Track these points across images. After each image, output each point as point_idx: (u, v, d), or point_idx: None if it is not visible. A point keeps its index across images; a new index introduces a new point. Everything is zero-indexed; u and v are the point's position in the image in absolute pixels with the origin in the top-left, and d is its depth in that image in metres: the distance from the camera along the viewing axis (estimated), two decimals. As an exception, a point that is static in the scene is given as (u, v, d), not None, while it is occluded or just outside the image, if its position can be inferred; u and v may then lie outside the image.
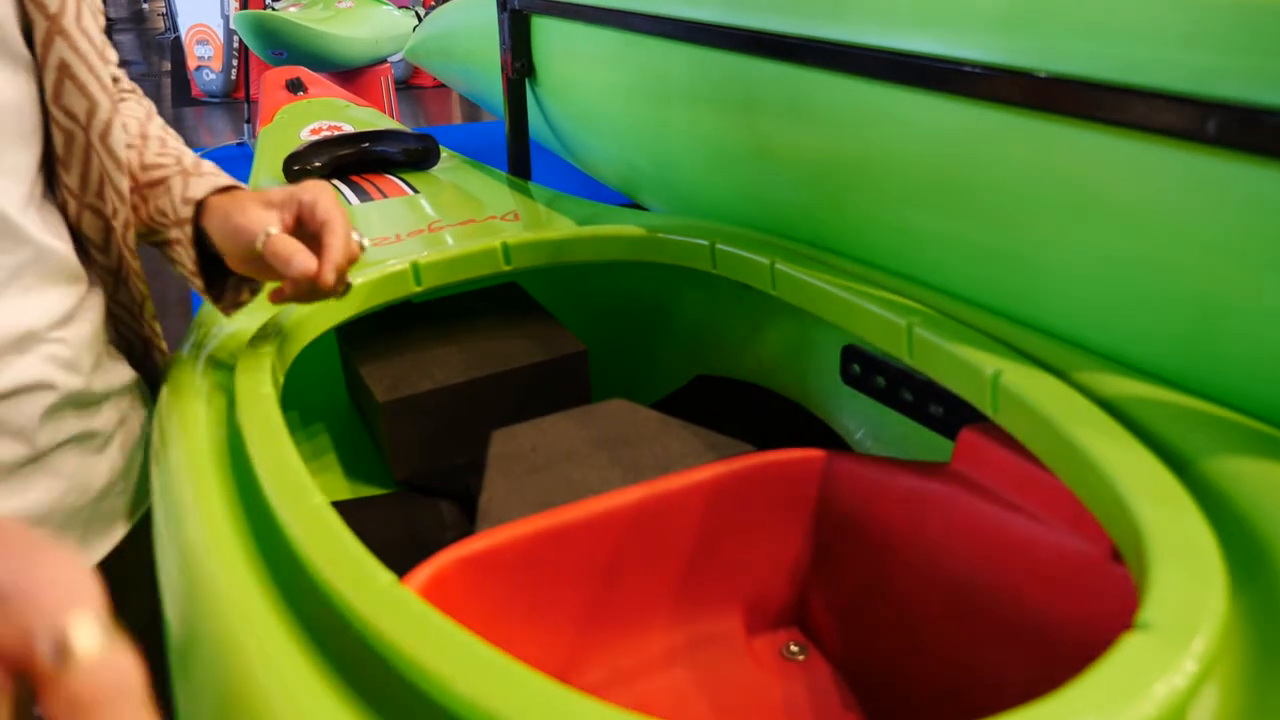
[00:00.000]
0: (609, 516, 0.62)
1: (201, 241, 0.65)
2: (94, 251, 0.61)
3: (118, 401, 0.64)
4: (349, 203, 1.09)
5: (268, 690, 0.41)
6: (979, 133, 0.67)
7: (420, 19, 3.79)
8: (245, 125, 4.12)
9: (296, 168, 1.17)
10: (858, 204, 0.80)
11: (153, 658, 0.33)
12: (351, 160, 1.21)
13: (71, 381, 0.58)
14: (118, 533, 0.65)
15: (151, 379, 0.70)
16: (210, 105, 5.36)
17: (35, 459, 0.57)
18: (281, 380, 0.69)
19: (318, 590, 0.44)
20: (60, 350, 0.57)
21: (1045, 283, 0.65)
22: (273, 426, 0.57)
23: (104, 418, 0.63)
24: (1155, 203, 0.57)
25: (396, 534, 0.81)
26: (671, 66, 1.01)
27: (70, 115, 0.57)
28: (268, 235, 0.61)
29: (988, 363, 0.59)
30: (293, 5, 3.96)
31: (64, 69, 0.55)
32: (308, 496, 0.50)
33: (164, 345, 0.71)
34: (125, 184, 0.62)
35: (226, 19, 4.97)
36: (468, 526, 0.80)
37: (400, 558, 0.58)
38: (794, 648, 0.69)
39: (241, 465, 0.56)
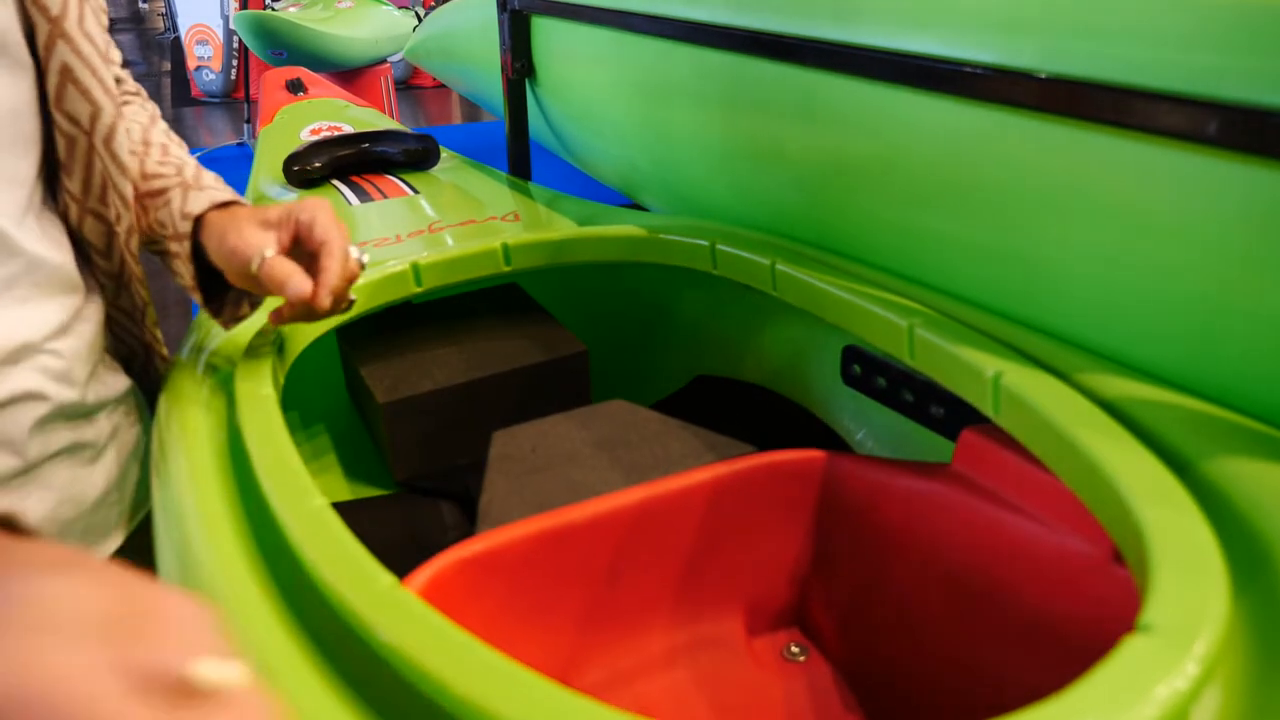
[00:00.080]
0: (609, 517, 0.62)
1: (200, 255, 0.65)
2: (96, 257, 0.61)
3: (111, 412, 0.64)
4: (349, 203, 1.09)
5: (269, 692, 0.41)
6: (981, 134, 0.67)
7: (420, 19, 3.79)
8: (245, 125, 4.12)
9: (296, 168, 1.17)
10: (860, 205, 0.80)
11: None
12: (351, 161, 1.21)
13: (64, 393, 0.58)
14: (113, 542, 0.65)
15: (152, 386, 0.69)
16: (210, 105, 5.35)
17: (26, 471, 0.56)
18: (282, 381, 0.69)
19: (318, 592, 0.44)
20: (54, 362, 0.57)
21: (1048, 284, 0.65)
22: (273, 428, 0.57)
23: (97, 429, 0.62)
24: (1158, 204, 0.57)
25: (397, 535, 0.81)
26: (672, 67, 1.01)
27: (72, 119, 0.56)
28: (263, 258, 0.60)
29: (989, 364, 0.59)
30: (292, 5, 3.96)
31: (66, 72, 0.55)
32: (308, 498, 0.50)
33: (165, 351, 0.70)
34: (129, 188, 0.61)
35: (226, 19, 4.97)
36: (468, 527, 0.80)
37: (401, 559, 0.58)
38: (795, 648, 0.69)
39: (242, 467, 0.56)
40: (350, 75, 3.87)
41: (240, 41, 4.71)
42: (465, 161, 1.29)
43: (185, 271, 0.65)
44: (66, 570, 0.26)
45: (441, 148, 1.26)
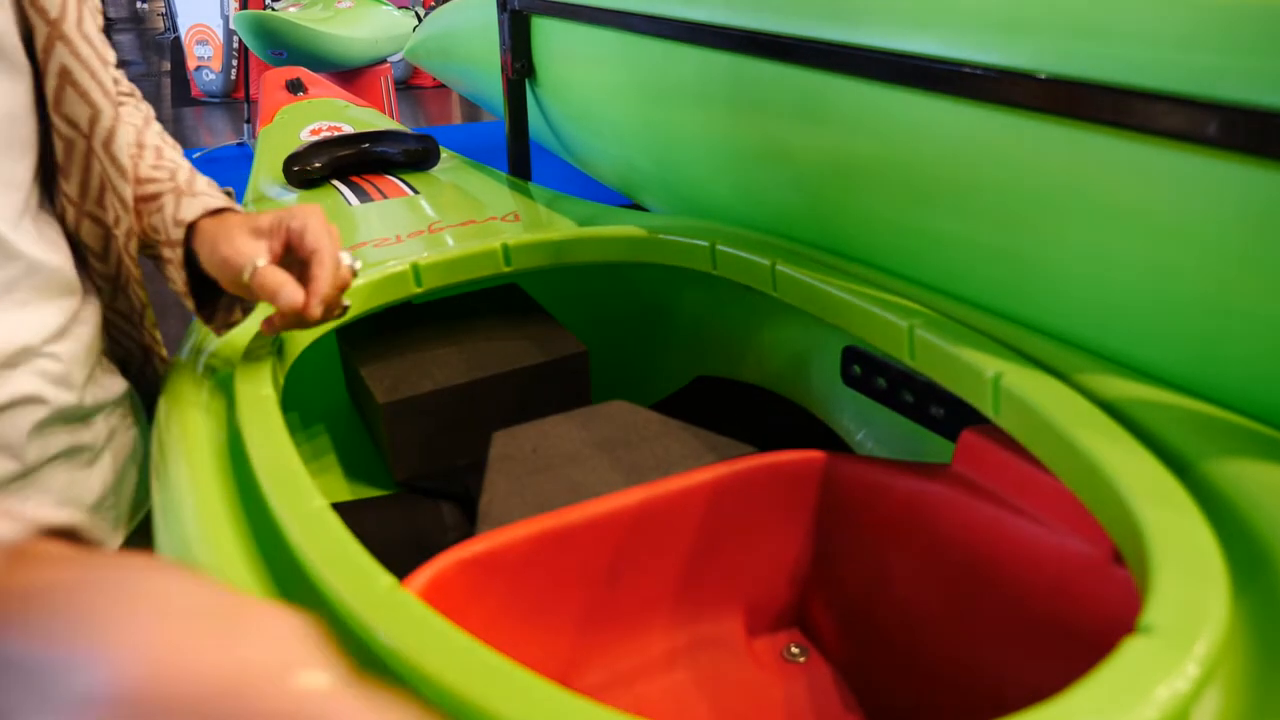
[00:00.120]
0: (610, 518, 0.62)
1: (193, 261, 0.65)
2: (92, 260, 0.61)
3: (109, 416, 0.64)
4: (349, 204, 1.09)
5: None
6: (982, 135, 0.67)
7: (420, 19, 3.79)
8: (245, 125, 4.12)
9: (296, 168, 1.17)
10: (860, 205, 0.80)
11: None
12: (351, 161, 1.21)
13: (62, 397, 0.57)
14: (111, 545, 0.65)
15: (150, 387, 0.69)
16: (210, 105, 5.35)
17: (24, 475, 0.56)
18: (282, 382, 0.69)
19: (318, 593, 0.44)
20: (52, 365, 0.56)
21: (1048, 284, 0.65)
22: (273, 428, 0.57)
23: (94, 432, 0.62)
24: (1158, 204, 0.57)
25: (397, 535, 0.81)
26: (672, 67, 1.01)
27: (71, 123, 0.56)
28: (255, 268, 0.60)
29: (989, 364, 0.59)
30: (292, 5, 3.96)
31: (65, 75, 0.54)
32: (308, 499, 0.49)
33: (164, 352, 0.70)
34: (129, 191, 0.61)
35: (226, 19, 4.97)
36: (468, 528, 0.80)
37: (401, 559, 0.58)
38: (795, 649, 0.69)
39: (242, 468, 0.56)
40: (350, 75, 3.87)
41: (240, 41, 4.71)
42: (465, 161, 1.29)
43: (178, 278, 0.64)
44: (172, 569, 0.25)
45: (441, 148, 1.26)
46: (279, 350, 0.70)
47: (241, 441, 0.57)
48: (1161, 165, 0.56)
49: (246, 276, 0.60)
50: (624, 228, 0.91)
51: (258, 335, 0.69)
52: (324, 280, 0.61)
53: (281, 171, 1.17)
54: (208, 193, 0.66)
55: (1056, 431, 0.52)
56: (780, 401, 0.94)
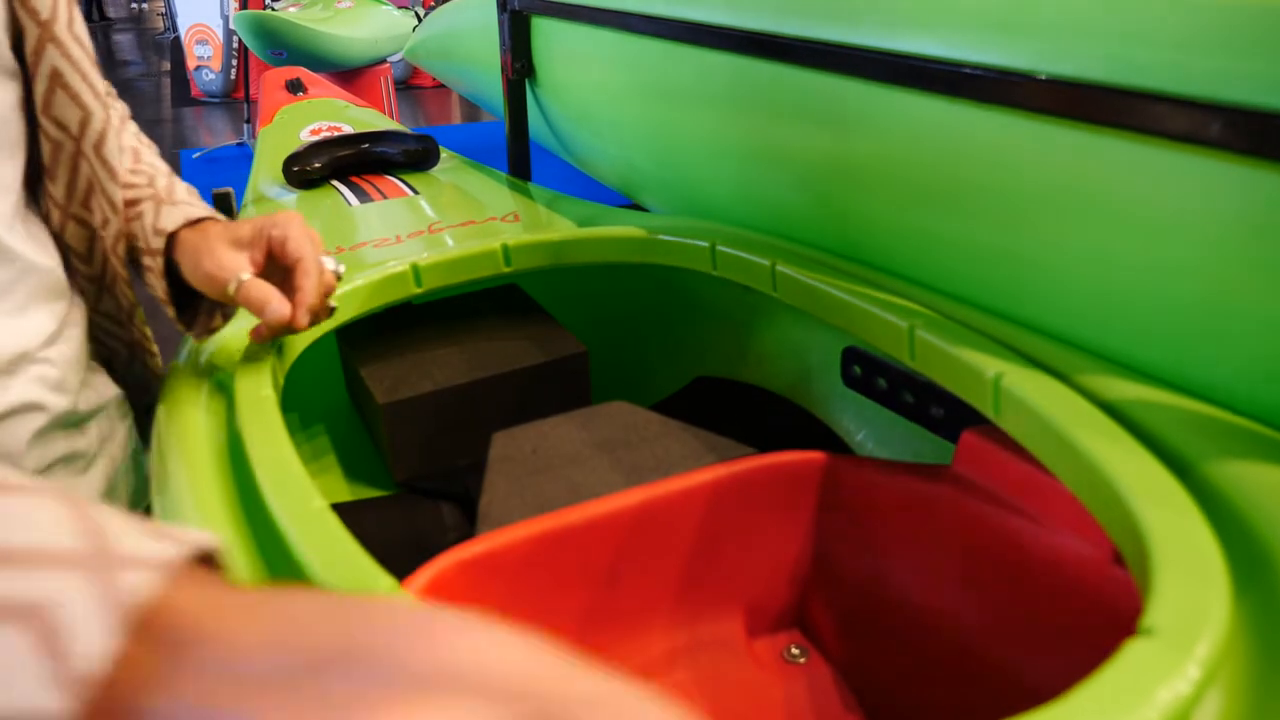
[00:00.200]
0: (610, 519, 0.62)
1: (172, 269, 0.65)
2: (77, 262, 0.60)
3: (100, 420, 0.63)
4: (349, 204, 1.09)
5: None
6: (983, 135, 0.67)
7: (420, 19, 3.79)
8: (245, 125, 4.12)
9: (296, 168, 1.17)
10: (861, 206, 0.80)
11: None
12: (351, 161, 1.21)
13: (60, 402, 0.57)
14: None
15: (139, 383, 0.69)
16: (210, 105, 5.35)
17: None
18: (281, 382, 0.69)
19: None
20: (50, 371, 0.56)
21: (1049, 285, 0.65)
22: (273, 429, 0.57)
23: (88, 438, 0.61)
24: (1158, 205, 0.57)
25: (397, 536, 0.81)
26: (672, 67, 1.01)
27: (60, 125, 0.55)
28: (240, 282, 0.60)
29: (989, 365, 0.59)
30: (292, 5, 3.96)
31: (56, 77, 0.54)
32: (308, 500, 0.49)
33: (154, 348, 0.70)
34: (119, 194, 0.61)
35: (226, 19, 4.97)
36: (468, 528, 0.80)
37: (401, 560, 0.58)
38: (795, 650, 0.69)
39: (242, 469, 0.56)
40: (350, 75, 3.87)
41: (240, 41, 4.71)
42: (465, 162, 1.29)
43: (158, 285, 0.64)
44: (469, 626, 0.21)
45: (441, 148, 1.26)
46: (279, 351, 0.70)
47: (241, 442, 0.57)
48: (1162, 166, 0.56)
49: (232, 290, 0.61)
50: (624, 228, 0.91)
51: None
52: (309, 290, 0.62)
53: (281, 171, 1.17)
54: (187, 201, 0.66)
55: (1057, 432, 0.52)
56: (780, 402, 0.94)
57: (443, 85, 4.26)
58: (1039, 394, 0.55)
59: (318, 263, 0.63)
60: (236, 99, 5.10)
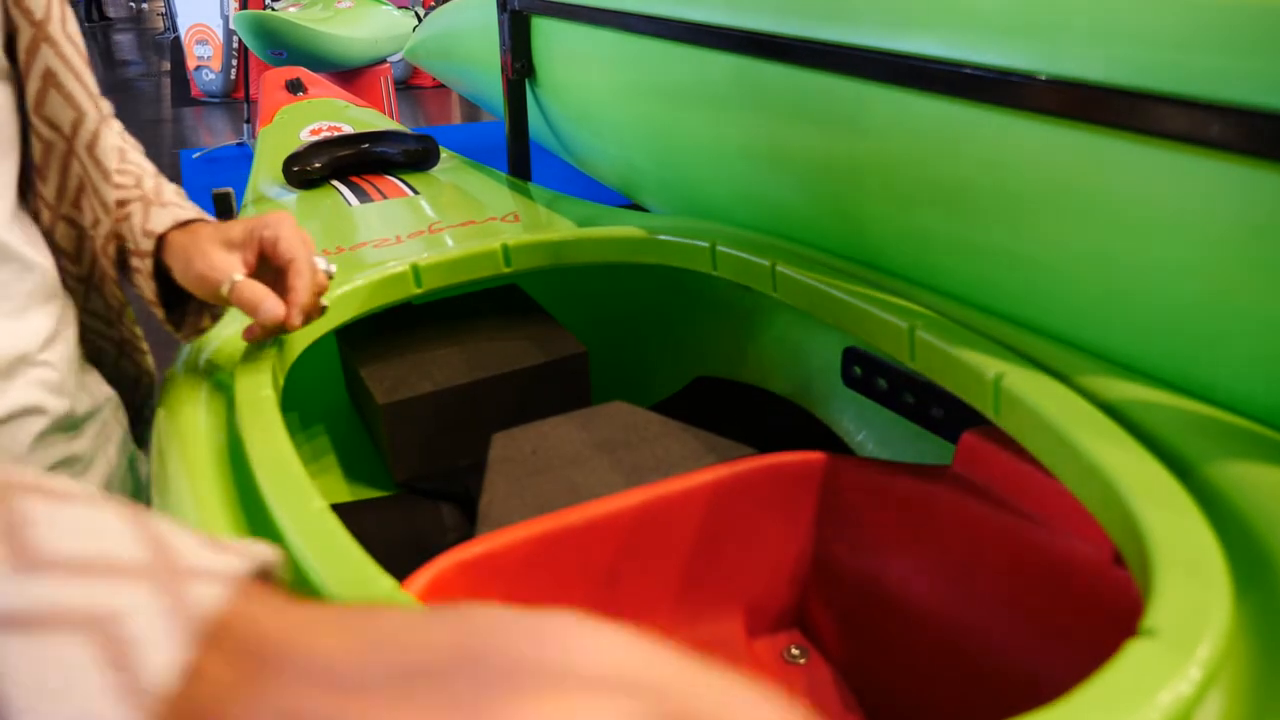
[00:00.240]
0: (609, 519, 0.62)
1: (161, 270, 0.64)
2: (65, 262, 0.60)
3: (95, 423, 0.63)
4: (349, 204, 1.09)
5: None
6: (984, 136, 0.66)
7: (420, 19, 3.79)
8: (245, 125, 4.12)
9: (296, 168, 1.17)
10: (861, 206, 0.79)
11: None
12: (351, 161, 1.21)
13: (60, 405, 0.56)
14: None
15: (128, 380, 0.68)
16: (210, 105, 5.35)
17: None
18: (281, 382, 0.69)
19: (318, 595, 0.43)
20: (48, 373, 0.55)
21: (1050, 286, 0.65)
22: (272, 430, 0.57)
23: (85, 440, 0.61)
24: (1159, 206, 0.56)
25: (397, 536, 0.81)
26: (672, 67, 1.01)
27: (53, 125, 0.55)
28: (233, 283, 0.61)
29: (990, 366, 0.59)
30: (292, 5, 3.96)
31: (50, 77, 0.53)
32: (308, 500, 0.49)
33: (144, 346, 0.69)
34: (111, 194, 0.60)
35: (226, 19, 4.97)
36: (468, 529, 0.80)
37: (401, 560, 0.58)
38: (795, 651, 0.69)
39: (241, 469, 0.55)
40: (350, 75, 3.87)
41: (240, 41, 4.71)
42: (465, 162, 1.29)
43: (147, 287, 0.64)
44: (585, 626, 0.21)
45: (441, 148, 1.26)
46: (279, 351, 0.70)
47: (241, 442, 0.57)
48: (1163, 166, 0.56)
49: (225, 291, 0.61)
50: (624, 228, 0.91)
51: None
52: (303, 291, 0.62)
53: (281, 171, 1.17)
54: (176, 203, 0.66)
55: (1057, 433, 0.52)
56: (780, 402, 0.94)
57: (443, 85, 4.26)
58: (1039, 394, 0.55)
59: (310, 263, 0.64)
60: (236, 99, 5.10)
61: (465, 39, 1.81)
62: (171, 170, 3.82)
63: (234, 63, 5.16)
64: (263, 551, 0.23)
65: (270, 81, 1.77)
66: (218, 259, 0.62)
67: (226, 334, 0.72)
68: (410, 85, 5.69)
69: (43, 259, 0.56)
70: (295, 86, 1.73)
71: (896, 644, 0.64)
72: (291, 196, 1.15)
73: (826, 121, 0.80)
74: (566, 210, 1.03)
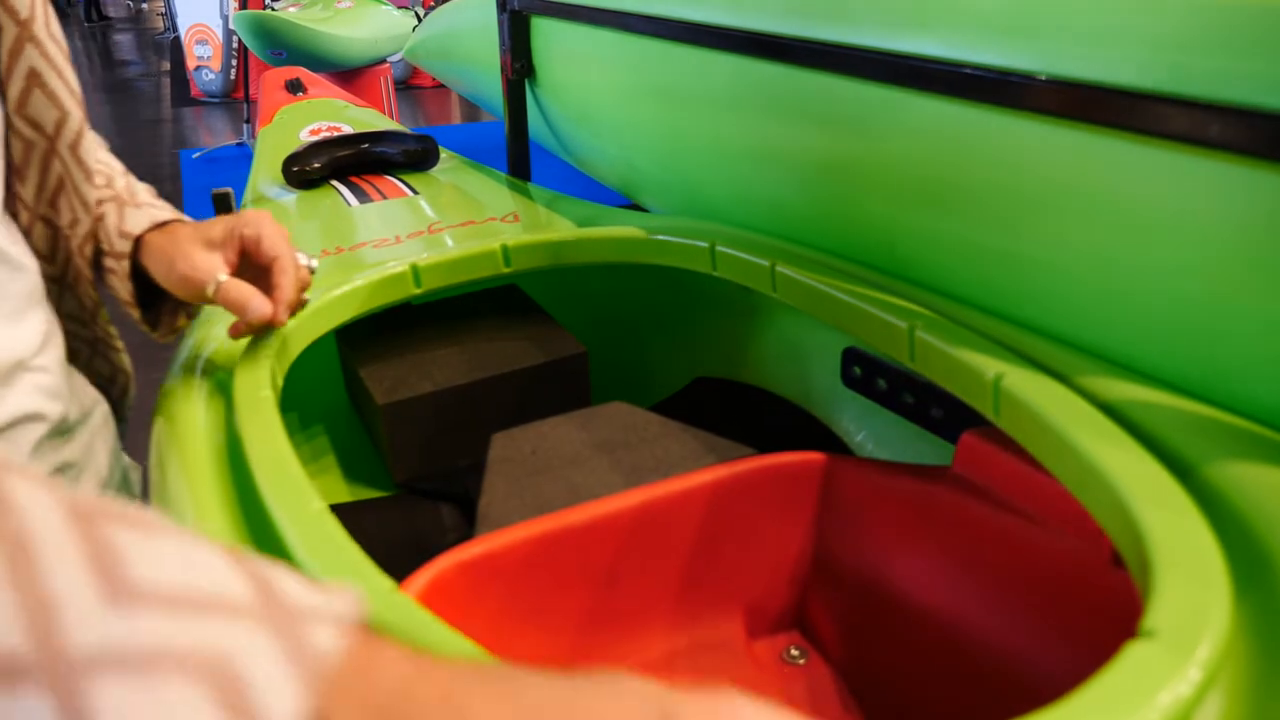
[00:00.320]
0: (609, 520, 0.62)
1: (137, 271, 0.64)
2: (41, 263, 0.58)
3: (85, 428, 0.62)
4: (348, 204, 1.09)
5: None
6: (984, 137, 0.66)
7: (420, 19, 3.79)
8: (245, 125, 4.12)
9: (296, 168, 1.17)
10: (861, 207, 0.79)
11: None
12: (351, 161, 1.21)
13: (56, 410, 0.56)
14: None
15: (102, 380, 0.67)
16: (210, 105, 5.36)
17: None
18: (280, 382, 0.69)
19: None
20: (45, 378, 0.55)
21: (1050, 286, 0.65)
22: (272, 430, 0.57)
23: (77, 445, 0.60)
24: (1160, 206, 0.56)
25: (396, 537, 0.81)
26: (672, 67, 1.01)
27: (35, 125, 0.54)
28: (218, 284, 0.61)
29: (989, 366, 0.59)
30: (292, 5, 3.96)
31: (34, 77, 0.53)
32: (307, 501, 0.49)
33: (119, 344, 0.68)
34: (93, 194, 0.60)
35: (226, 19, 4.97)
36: (468, 529, 0.80)
37: (400, 561, 0.58)
38: (794, 651, 0.69)
39: (240, 469, 0.55)
40: (350, 75, 3.87)
41: (240, 41, 4.71)
42: (465, 162, 1.29)
43: (123, 288, 0.64)
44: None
45: (441, 148, 1.26)
46: (278, 351, 0.70)
47: (240, 443, 0.56)
48: (1163, 167, 0.56)
49: (210, 292, 0.61)
50: (624, 228, 0.91)
51: (256, 336, 0.69)
52: (287, 288, 0.64)
53: (281, 172, 1.17)
54: (151, 203, 0.65)
55: (1057, 433, 0.52)
56: (780, 403, 0.94)
57: (443, 85, 4.26)
58: (1039, 395, 0.55)
59: (293, 260, 0.65)
60: (236, 99, 5.11)
61: (465, 39, 1.81)
62: (171, 170, 3.82)
63: (234, 63, 5.16)
64: (351, 592, 0.22)
65: (270, 81, 1.77)
66: (200, 260, 0.62)
67: (225, 335, 0.72)
68: (410, 85, 5.69)
69: (30, 260, 0.55)
70: (295, 86, 1.73)
71: (896, 644, 0.64)
72: (291, 197, 1.15)
73: (827, 122, 0.80)
74: (566, 210, 1.03)
